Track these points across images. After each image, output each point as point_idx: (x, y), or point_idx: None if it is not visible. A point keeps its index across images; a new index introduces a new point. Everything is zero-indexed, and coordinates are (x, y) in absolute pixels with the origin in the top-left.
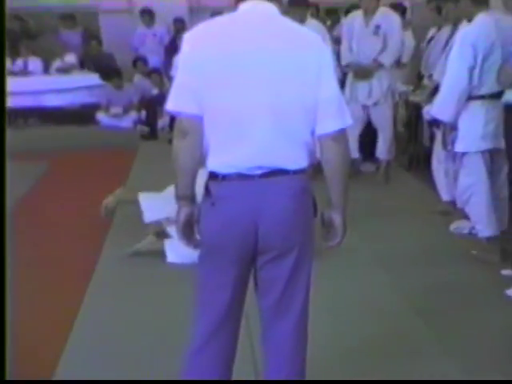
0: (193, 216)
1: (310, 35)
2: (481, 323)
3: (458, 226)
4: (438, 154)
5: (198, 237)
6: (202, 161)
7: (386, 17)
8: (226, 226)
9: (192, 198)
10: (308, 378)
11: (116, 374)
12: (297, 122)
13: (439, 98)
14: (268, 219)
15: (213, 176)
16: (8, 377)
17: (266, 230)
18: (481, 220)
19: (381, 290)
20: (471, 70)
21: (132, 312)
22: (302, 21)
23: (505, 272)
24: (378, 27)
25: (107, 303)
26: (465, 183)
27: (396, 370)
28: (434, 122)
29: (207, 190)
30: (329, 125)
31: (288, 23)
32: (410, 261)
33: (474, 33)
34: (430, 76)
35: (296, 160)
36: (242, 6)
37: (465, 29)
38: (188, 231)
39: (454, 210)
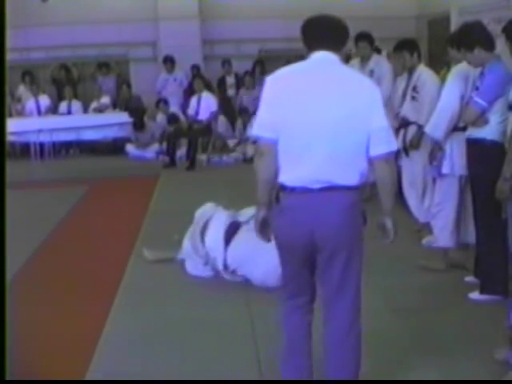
0: (267, 217)
1: (362, 79)
2: (448, 321)
3: (428, 240)
4: (407, 176)
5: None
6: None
7: (379, 63)
8: (290, 228)
9: (269, 204)
10: None
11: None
12: (351, 149)
13: (433, 119)
14: (322, 226)
15: (282, 188)
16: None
17: (321, 234)
18: (444, 232)
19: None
20: (462, 98)
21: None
22: None
23: (468, 279)
24: (372, 72)
25: (136, 305)
26: (438, 199)
27: (375, 366)
28: (397, 153)
29: (277, 199)
30: (379, 149)
31: (345, 69)
32: (388, 268)
33: (465, 68)
34: (397, 114)
35: (346, 178)
36: (313, 55)
37: (458, 65)
38: (263, 229)
39: (425, 227)
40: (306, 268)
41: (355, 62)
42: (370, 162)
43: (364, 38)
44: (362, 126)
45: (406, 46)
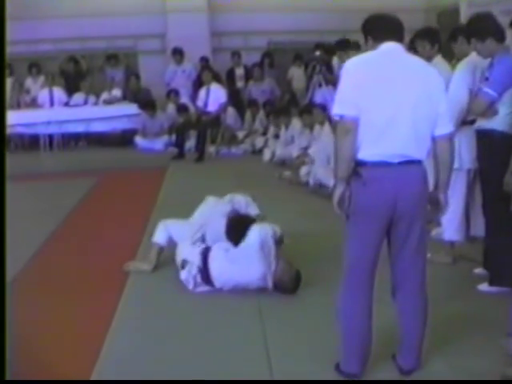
0: (345, 193)
1: (428, 65)
2: (457, 313)
3: (437, 232)
4: None
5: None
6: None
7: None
8: (374, 200)
9: (347, 179)
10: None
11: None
12: (424, 128)
13: None
14: (404, 196)
15: (362, 163)
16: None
17: (402, 203)
18: (451, 225)
19: None
20: (470, 92)
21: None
22: None
23: (477, 270)
24: None
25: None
26: None
27: (382, 358)
28: None
29: (358, 173)
30: (443, 129)
31: (412, 57)
32: None
33: (473, 61)
34: None
35: (421, 153)
36: (382, 47)
37: (467, 58)
38: (341, 203)
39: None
40: (378, 245)
41: None
42: (433, 141)
43: None
44: (434, 107)
45: (428, 35)
